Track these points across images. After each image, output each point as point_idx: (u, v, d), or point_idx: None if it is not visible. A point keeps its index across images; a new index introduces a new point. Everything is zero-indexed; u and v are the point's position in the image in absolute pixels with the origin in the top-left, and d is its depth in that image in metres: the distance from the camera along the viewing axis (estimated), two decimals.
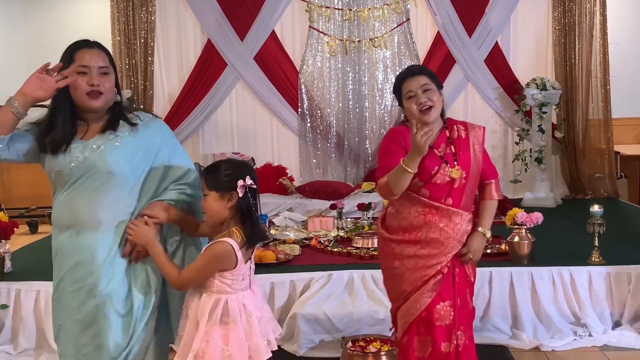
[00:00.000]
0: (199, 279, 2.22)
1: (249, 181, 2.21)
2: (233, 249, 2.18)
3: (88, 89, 2.21)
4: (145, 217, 2.26)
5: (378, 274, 2.83)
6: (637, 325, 3.93)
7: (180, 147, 2.48)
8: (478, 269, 2.86)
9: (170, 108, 7.09)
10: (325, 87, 7.18)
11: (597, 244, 4.08)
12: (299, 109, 7.16)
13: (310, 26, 7.13)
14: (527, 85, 6.57)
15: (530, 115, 6.67)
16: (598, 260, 4.07)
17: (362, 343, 3.40)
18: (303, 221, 5.65)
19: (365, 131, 7.19)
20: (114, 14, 6.95)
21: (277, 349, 2.36)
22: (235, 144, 7.24)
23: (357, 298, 3.86)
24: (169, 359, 2.42)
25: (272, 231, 5.14)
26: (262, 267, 3.97)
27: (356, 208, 5.69)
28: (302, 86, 7.14)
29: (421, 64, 7.01)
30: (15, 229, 4.21)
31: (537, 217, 4.10)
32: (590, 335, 3.85)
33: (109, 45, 5.77)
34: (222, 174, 2.21)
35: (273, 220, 5.67)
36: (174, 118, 6.99)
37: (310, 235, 5.03)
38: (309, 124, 7.20)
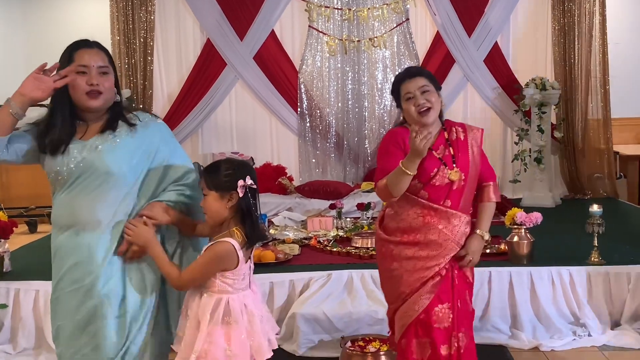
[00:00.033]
0: (200, 279, 2.21)
1: (249, 181, 2.20)
2: (234, 248, 2.17)
3: (87, 89, 2.21)
4: (145, 217, 2.25)
5: (377, 273, 2.82)
6: (636, 325, 3.92)
7: (179, 147, 2.47)
8: (477, 269, 2.86)
9: (170, 108, 7.09)
10: (325, 86, 7.18)
11: (596, 244, 4.08)
12: (299, 109, 7.16)
13: (309, 26, 7.12)
14: (527, 85, 6.56)
15: (529, 115, 6.67)
16: (597, 260, 4.07)
17: (361, 343, 3.40)
18: (302, 221, 5.64)
19: (364, 131, 7.19)
20: (113, 13, 6.95)
21: (277, 347, 2.35)
22: (234, 144, 7.24)
23: (357, 298, 3.86)
24: None
25: (272, 231, 5.13)
26: (261, 267, 3.98)
27: (355, 208, 5.69)
28: (302, 86, 7.14)
29: (420, 63, 7.02)
30: (14, 228, 4.21)
31: (537, 217, 4.10)
32: (589, 335, 3.85)
33: (108, 45, 5.80)
34: (222, 173, 2.20)
35: (272, 219, 5.66)
36: (174, 117, 6.99)
37: (310, 235, 5.03)
38: (308, 124, 7.20)
